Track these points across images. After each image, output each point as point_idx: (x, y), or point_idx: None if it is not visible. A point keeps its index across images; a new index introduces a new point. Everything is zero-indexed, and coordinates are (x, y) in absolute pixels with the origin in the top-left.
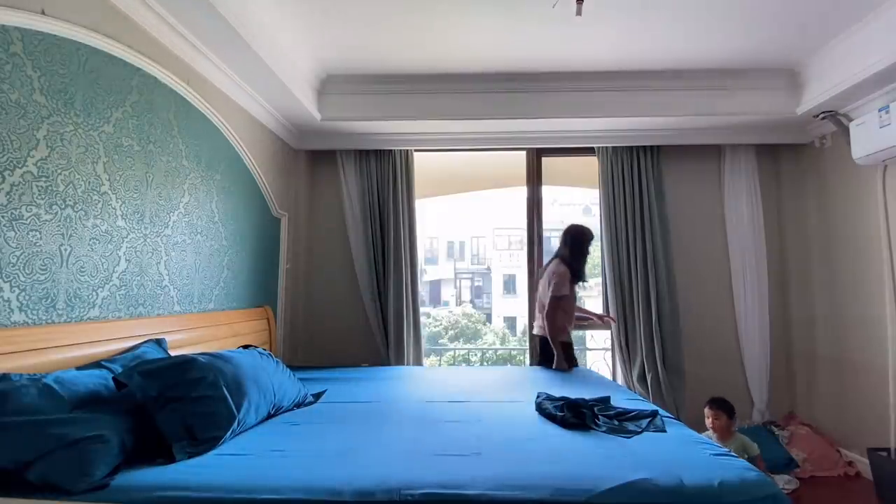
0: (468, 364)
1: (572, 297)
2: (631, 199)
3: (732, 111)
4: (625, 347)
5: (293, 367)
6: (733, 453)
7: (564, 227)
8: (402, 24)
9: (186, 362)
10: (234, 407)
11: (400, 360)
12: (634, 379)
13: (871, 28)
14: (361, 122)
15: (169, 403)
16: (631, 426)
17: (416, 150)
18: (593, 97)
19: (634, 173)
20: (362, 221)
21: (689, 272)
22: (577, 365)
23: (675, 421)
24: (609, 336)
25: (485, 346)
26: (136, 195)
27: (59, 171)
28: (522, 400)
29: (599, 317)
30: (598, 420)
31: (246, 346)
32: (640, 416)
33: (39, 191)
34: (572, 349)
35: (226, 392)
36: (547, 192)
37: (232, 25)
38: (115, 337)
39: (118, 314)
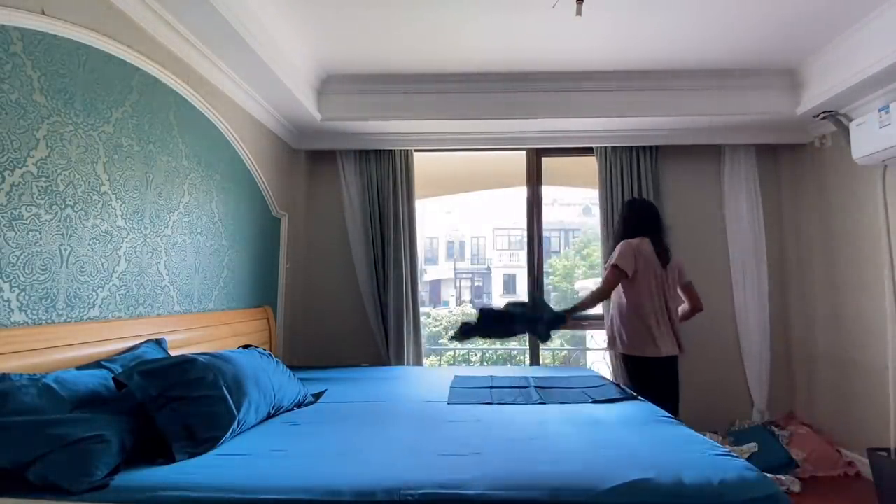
0: (468, 364)
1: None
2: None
3: (732, 111)
4: None
5: (293, 367)
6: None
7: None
8: (401, 25)
9: (186, 362)
10: (234, 407)
11: (400, 360)
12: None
13: (871, 28)
14: (361, 122)
15: (169, 403)
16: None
17: (416, 150)
18: (593, 97)
19: (633, 173)
20: (362, 221)
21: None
22: None
23: (675, 421)
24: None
25: (485, 346)
26: (136, 195)
27: (59, 171)
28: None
29: None
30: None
31: (246, 346)
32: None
33: (39, 191)
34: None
35: (226, 392)
36: (547, 192)
37: (231, 25)
38: (115, 337)
39: (118, 314)
